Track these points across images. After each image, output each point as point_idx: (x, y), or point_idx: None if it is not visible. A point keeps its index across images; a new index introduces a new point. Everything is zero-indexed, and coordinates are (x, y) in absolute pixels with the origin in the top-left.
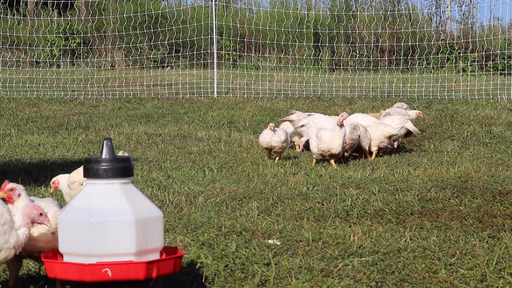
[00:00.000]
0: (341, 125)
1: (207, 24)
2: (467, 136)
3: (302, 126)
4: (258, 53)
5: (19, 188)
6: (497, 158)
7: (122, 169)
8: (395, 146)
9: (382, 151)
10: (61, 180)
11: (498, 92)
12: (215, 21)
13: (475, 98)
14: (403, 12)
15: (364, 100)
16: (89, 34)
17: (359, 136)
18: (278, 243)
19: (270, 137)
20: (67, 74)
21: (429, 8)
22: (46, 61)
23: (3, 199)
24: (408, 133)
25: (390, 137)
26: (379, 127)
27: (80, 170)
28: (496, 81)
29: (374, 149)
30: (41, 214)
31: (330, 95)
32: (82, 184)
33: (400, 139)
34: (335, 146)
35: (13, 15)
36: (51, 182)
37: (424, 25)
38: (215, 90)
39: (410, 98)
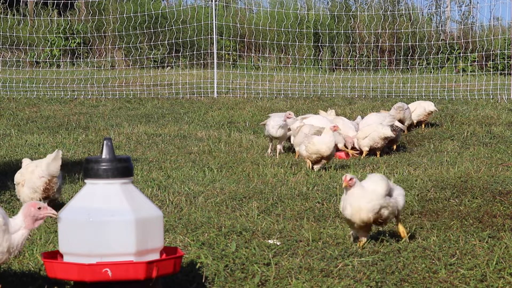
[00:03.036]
0: None
1: (207, 24)
2: (467, 136)
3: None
4: (258, 53)
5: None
6: (497, 158)
7: (122, 169)
8: (394, 147)
9: (381, 151)
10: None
11: (498, 92)
12: (215, 21)
13: (475, 98)
14: (403, 12)
15: (364, 100)
16: (89, 34)
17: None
18: (278, 243)
19: (332, 141)
20: (67, 74)
21: (429, 8)
22: (46, 61)
23: None
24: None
25: (385, 138)
26: (378, 128)
27: (23, 171)
28: (496, 81)
29: (365, 149)
30: (39, 208)
31: (330, 95)
32: (23, 186)
33: (399, 140)
34: None
35: (13, 15)
36: None
37: (424, 25)
38: (215, 90)
39: (410, 98)
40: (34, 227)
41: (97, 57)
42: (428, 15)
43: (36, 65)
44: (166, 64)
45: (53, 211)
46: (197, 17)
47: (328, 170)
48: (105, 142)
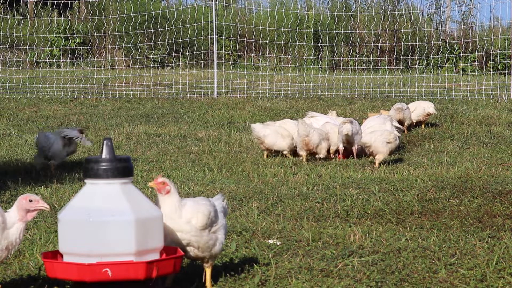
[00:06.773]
0: None
1: (207, 24)
2: (467, 136)
3: None
4: (258, 53)
5: (170, 184)
6: (497, 158)
7: (122, 169)
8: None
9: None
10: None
11: (498, 92)
12: (215, 21)
13: (475, 98)
14: (403, 12)
15: (364, 100)
16: (89, 34)
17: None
18: (278, 243)
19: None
20: (67, 74)
21: (429, 8)
22: (46, 61)
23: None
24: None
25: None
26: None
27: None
28: (496, 81)
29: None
30: (30, 200)
31: (330, 95)
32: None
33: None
34: None
35: (13, 15)
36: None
37: (424, 25)
38: (215, 90)
39: (410, 98)
40: (28, 220)
41: (97, 57)
42: (428, 15)
43: (36, 65)
44: (166, 64)
45: (45, 205)
46: (197, 17)
47: (328, 169)
48: (105, 142)
